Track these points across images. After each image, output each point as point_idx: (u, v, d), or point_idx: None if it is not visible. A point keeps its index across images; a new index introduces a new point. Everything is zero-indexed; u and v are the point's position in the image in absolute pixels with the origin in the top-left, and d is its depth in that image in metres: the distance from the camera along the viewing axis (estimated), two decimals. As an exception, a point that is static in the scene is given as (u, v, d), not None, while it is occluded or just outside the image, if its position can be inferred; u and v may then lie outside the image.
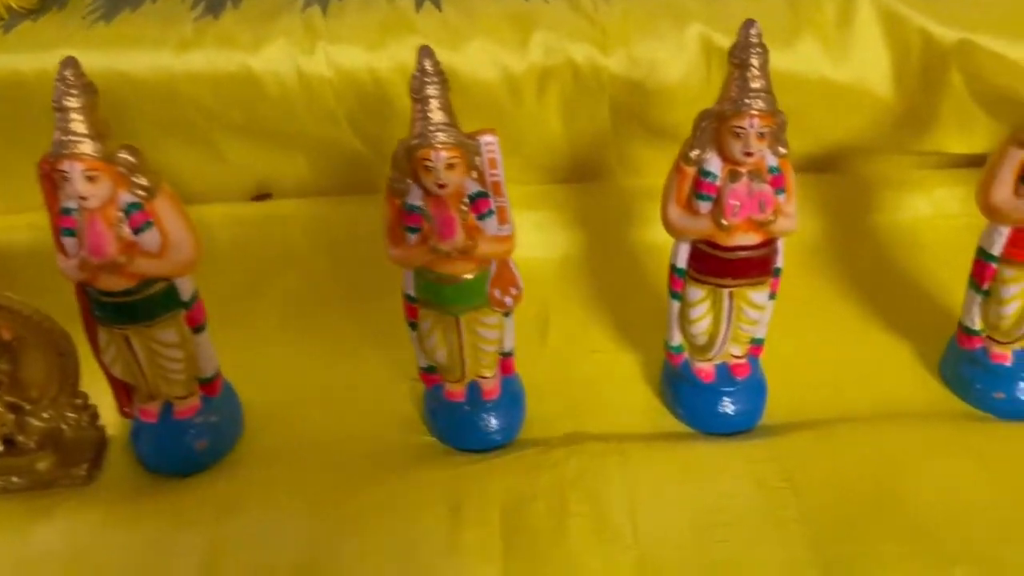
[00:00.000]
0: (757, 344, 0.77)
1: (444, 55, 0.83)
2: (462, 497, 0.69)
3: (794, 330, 0.86)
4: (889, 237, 0.96)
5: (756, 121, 0.63)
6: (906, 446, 0.72)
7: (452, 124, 0.62)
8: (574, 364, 0.85)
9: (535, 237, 0.94)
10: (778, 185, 0.66)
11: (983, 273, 0.73)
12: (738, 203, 0.65)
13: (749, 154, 0.64)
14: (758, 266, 0.70)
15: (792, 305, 0.89)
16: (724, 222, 0.66)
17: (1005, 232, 0.70)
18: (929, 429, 0.74)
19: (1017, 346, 0.76)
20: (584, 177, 0.96)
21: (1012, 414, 0.76)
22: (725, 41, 0.82)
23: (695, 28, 0.82)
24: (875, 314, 0.89)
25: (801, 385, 0.81)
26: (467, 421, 0.75)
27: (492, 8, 0.85)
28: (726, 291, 0.71)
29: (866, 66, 0.83)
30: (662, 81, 0.83)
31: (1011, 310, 0.73)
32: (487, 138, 0.64)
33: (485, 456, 0.74)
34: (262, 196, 0.97)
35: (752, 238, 0.67)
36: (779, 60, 0.83)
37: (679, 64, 0.83)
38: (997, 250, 0.71)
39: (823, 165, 0.95)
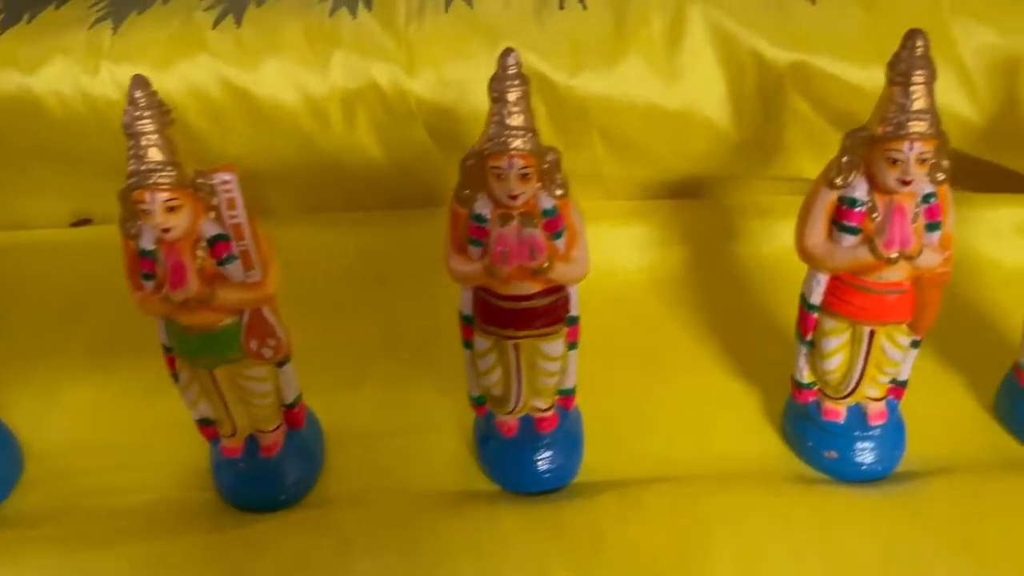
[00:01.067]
0: (566, 395, 0.70)
1: (239, 76, 0.78)
2: (216, 568, 0.63)
3: (631, 375, 0.80)
4: (752, 269, 0.89)
5: (516, 161, 0.56)
6: (718, 512, 0.65)
7: (171, 162, 0.55)
8: (392, 411, 0.78)
9: (355, 267, 0.88)
10: (554, 229, 0.60)
11: (806, 323, 0.66)
12: (506, 249, 0.59)
13: (514, 197, 0.57)
14: (544, 316, 0.63)
15: (634, 345, 0.84)
16: (493, 270, 0.59)
17: (823, 280, 0.63)
18: (748, 492, 0.67)
19: (851, 401, 0.69)
20: (432, 201, 0.89)
21: (845, 475, 0.69)
22: (541, 64, 0.75)
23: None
24: (728, 356, 0.82)
25: (629, 438, 0.74)
26: (244, 478, 0.69)
27: (294, 24, 0.78)
28: (511, 343, 0.64)
29: (699, 90, 0.76)
30: (476, 106, 0.76)
31: (834, 364, 0.66)
32: (223, 176, 0.57)
33: (265, 516, 0.68)
34: (82, 222, 0.91)
35: (531, 287, 0.61)
36: (602, 83, 0.77)
37: (493, 88, 0.76)
38: (816, 299, 0.64)
39: (680, 192, 0.88)
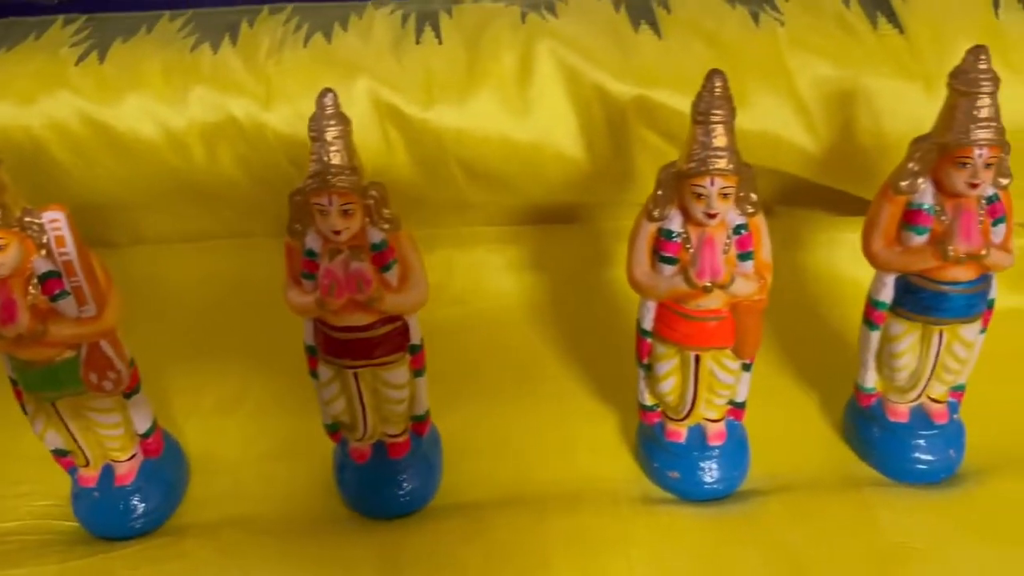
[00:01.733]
0: (418, 420, 0.72)
1: (99, 111, 0.80)
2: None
3: (497, 398, 0.82)
4: (623, 293, 0.90)
5: (335, 198, 0.58)
6: (560, 534, 0.67)
7: (-3, 203, 0.56)
8: (263, 438, 0.79)
9: (234, 293, 0.89)
10: (383, 262, 0.61)
11: (641, 348, 0.69)
12: (333, 282, 0.60)
13: (337, 232, 0.59)
14: (382, 345, 0.65)
15: (503, 368, 0.86)
16: (323, 303, 0.61)
17: (652, 307, 0.66)
18: (592, 514, 0.69)
19: (691, 422, 0.71)
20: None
21: (688, 495, 0.72)
22: (395, 97, 0.77)
23: (363, 83, 0.77)
24: (593, 380, 0.84)
25: (491, 461, 0.76)
26: (98, 507, 0.70)
27: (154, 61, 0.79)
28: (351, 372, 0.66)
29: (550, 123, 0.78)
30: (330, 138, 0.78)
31: (668, 387, 0.69)
32: (51, 215, 0.59)
33: (117, 546, 0.69)
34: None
35: (365, 318, 0.63)
36: (455, 116, 0.79)
37: (346, 121, 0.78)
38: (648, 324, 0.67)
39: (552, 217, 0.91)
